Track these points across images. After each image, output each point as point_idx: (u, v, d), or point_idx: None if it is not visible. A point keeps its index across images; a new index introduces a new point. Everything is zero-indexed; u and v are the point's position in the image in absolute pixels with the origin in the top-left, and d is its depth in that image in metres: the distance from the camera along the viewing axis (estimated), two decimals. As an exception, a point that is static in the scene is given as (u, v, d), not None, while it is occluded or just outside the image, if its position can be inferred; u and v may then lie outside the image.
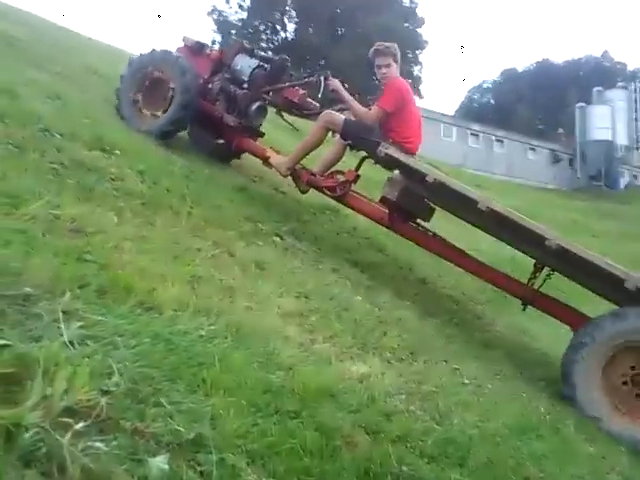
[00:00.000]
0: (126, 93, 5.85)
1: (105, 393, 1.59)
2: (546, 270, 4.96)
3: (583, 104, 39.47)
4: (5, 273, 1.95)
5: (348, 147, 5.44)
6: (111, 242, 2.72)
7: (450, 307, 5.82)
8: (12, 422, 1.32)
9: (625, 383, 4.08)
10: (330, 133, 5.47)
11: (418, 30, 43.20)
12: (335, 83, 5.44)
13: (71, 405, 1.48)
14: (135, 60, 5.97)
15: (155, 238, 3.13)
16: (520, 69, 66.99)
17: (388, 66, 5.24)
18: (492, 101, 65.81)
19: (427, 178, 4.67)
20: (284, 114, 6.27)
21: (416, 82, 44.29)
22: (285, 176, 5.63)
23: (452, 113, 50.29)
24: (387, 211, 5.27)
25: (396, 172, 5.12)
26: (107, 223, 3.00)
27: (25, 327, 1.75)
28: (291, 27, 43.51)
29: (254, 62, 5.99)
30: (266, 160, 5.76)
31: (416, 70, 44.10)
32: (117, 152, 4.44)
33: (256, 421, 1.89)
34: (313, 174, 5.46)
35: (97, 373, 1.65)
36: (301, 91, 5.87)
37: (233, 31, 41.61)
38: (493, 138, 36.87)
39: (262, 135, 6.39)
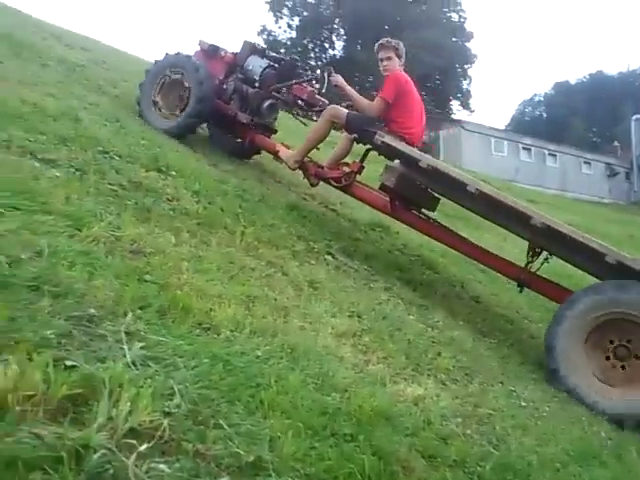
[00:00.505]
0: (147, 96, 6.19)
1: (167, 414, 1.62)
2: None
3: (639, 116, 38.45)
4: (71, 294, 2.02)
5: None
6: (169, 262, 2.78)
7: (504, 326, 5.71)
8: (81, 444, 1.36)
9: (608, 358, 4.21)
10: (344, 131, 5.67)
11: (467, 45, 42.91)
12: (338, 78, 5.69)
13: (135, 426, 1.51)
14: (154, 65, 6.32)
15: (211, 258, 3.19)
16: (573, 81, 65.82)
17: (389, 59, 5.43)
18: (544, 114, 64.77)
19: (420, 163, 4.89)
20: (294, 111, 6.51)
21: (465, 96, 44.00)
22: (294, 169, 5.83)
23: (503, 127, 49.69)
24: (388, 199, 5.46)
25: (396, 161, 5.33)
26: (165, 243, 3.07)
27: (90, 348, 1.80)
28: (339, 45, 43.86)
29: (265, 62, 6.24)
30: (276, 154, 6.03)
31: (465, 84, 43.79)
32: (173, 173, 4.54)
33: (313, 444, 1.90)
34: (320, 166, 5.69)
35: (159, 394, 1.68)
36: (309, 88, 6.11)
37: (282, 50, 42.14)
38: (546, 152, 36.19)
39: (275, 132, 6.61)
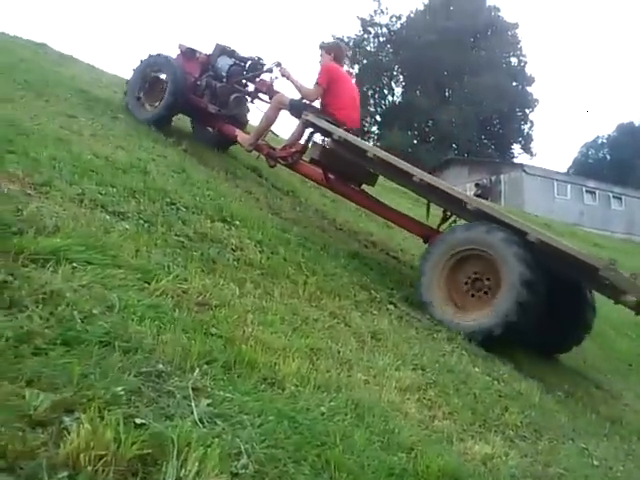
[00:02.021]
0: (132, 92, 7.19)
1: (234, 476, 1.61)
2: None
3: None
4: (140, 350, 2.06)
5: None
6: (234, 315, 2.81)
7: (572, 378, 5.49)
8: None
9: (467, 289, 5.00)
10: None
11: (528, 89, 42.63)
12: (284, 70, 6.56)
13: (203, 487, 1.50)
14: (139, 64, 7.25)
15: (275, 309, 3.20)
16: (637, 122, 64.14)
17: (321, 55, 6.48)
18: (608, 156, 63.16)
19: (333, 136, 5.76)
20: (256, 101, 7.25)
21: (526, 140, 43.53)
22: (250, 151, 6.79)
23: (565, 170, 48.70)
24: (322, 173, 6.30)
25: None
26: (230, 295, 3.10)
27: (159, 405, 1.82)
28: (398, 91, 44.29)
29: (231, 61, 7.09)
30: (235, 139, 6.90)
31: (526, 128, 43.38)
32: (237, 223, 4.62)
33: (381, 508, 1.85)
34: (273, 148, 6.56)
35: (226, 454, 1.68)
36: (268, 82, 6.94)
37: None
38: (611, 195, 35.18)
39: (246, 123, 7.37)
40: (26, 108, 5.22)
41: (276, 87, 6.87)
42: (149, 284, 2.70)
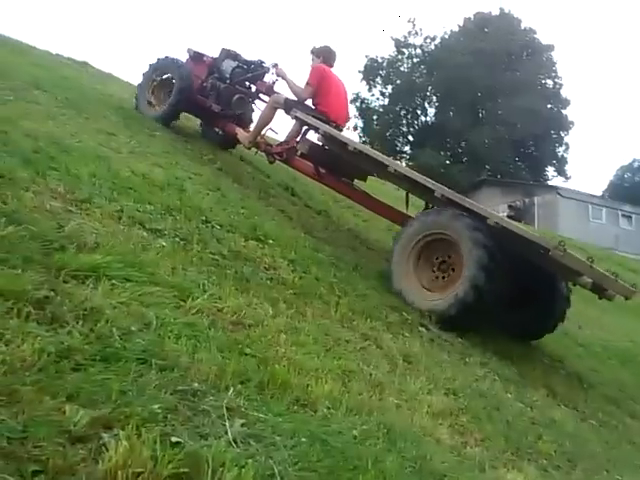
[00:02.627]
0: (142, 95, 7.69)
1: (268, 498, 1.61)
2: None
3: None
4: (176, 368, 2.08)
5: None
6: (268, 335, 2.83)
7: (607, 407, 5.37)
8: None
9: (433, 271, 5.25)
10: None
11: (563, 111, 42.25)
12: (280, 70, 7.06)
13: (237, 510, 1.51)
14: (149, 67, 7.74)
15: (307, 330, 3.21)
16: (676, 146, 63.02)
17: (312, 60, 6.88)
18: (645, 180, 62.09)
19: (319, 131, 6.23)
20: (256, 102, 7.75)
21: (561, 163, 43.06)
22: (249, 148, 7.16)
23: (600, 193, 47.92)
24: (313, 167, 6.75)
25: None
26: (263, 315, 3.12)
27: (194, 423, 1.84)
28: (431, 111, 44.25)
29: (235, 64, 7.52)
30: (235, 136, 7.28)
31: (561, 151, 42.91)
32: (270, 241, 4.66)
33: (413, 536, 1.83)
34: (270, 145, 6.99)
35: (260, 475, 1.68)
36: (268, 83, 7.38)
37: (375, 117, 42.99)
38: (647, 219, 34.59)
39: (249, 122, 7.62)
40: (67, 125, 5.35)
41: (276, 88, 7.33)
42: (185, 302, 2.73)
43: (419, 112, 44.37)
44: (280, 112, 6.81)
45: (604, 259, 16.07)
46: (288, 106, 6.61)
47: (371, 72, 43.48)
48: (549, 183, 39.57)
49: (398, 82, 43.33)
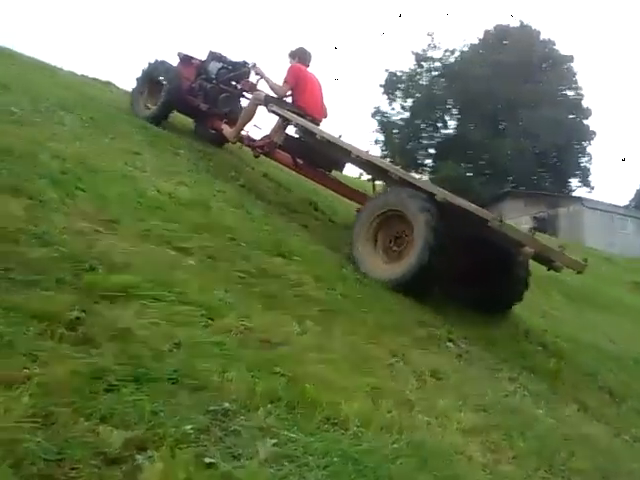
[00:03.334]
0: (137, 97, 8.28)
1: (302, 520, 1.60)
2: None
3: None
4: (207, 388, 2.09)
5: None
6: (296, 353, 2.82)
7: (640, 422, 5.27)
8: None
9: (390, 245, 5.63)
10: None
11: (584, 121, 41.89)
12: (258, 69, 7.55)
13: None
14: (142, 72, 8.30)
15: (335, 347, 3.20)
16: (703, 154, 62.06)
17: (290, 62, 7.39)
18: (672, 189, 61.12)
19: (291, 123, 6.82)
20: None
21: (585, 173, 42.64)
22: (234, 142, 7.64)
23: (625, 203, 47.20)
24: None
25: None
26: (291, 332, 3.12)
27: (226, 444, 1.84)
28: (452, 124, 44.14)
29: (220, 65, 8.01)
30: (221, 132, 7.79)
31: (584, 161, 42.51)
32: (295, 258, 4.66)
33: None
34: (253, 139, 7.34)
35: (294, 497, 1.67)
36: (252, 82, 7.77)
37: (395, 130, 43.00)
38: (675, 229, 34.03)
39: (235, 119, 7.78)
40: (93, 146, 5.42)
41: (259, 87, 7.67)
42: (214, 321, 2.74)
43: (440, 125, 44.29)
44: (262, 109, 7.24)
45: (630, 270, 15.85)
46: (267, 102, 7.09)
47: (391, 86, 43.57)
48: (573, 194, 39.16)
49: (418, 95, 43.33)
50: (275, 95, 7.20)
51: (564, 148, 39.90)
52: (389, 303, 4.78)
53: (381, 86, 43.68)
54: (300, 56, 7.50)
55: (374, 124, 42.39)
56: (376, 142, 42.61)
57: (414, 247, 5.27)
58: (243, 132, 7.43)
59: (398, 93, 43.69)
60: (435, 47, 44.03)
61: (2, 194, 3.10)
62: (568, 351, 6.23)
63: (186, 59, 8.29)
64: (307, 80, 7.38)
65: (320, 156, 6.95)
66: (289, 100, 7.28)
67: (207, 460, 1.69)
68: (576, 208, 31.10)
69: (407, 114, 43.66)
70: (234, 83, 8.06)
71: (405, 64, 53.93)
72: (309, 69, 7.52)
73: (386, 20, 73.08)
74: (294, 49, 7.55)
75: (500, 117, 41.79)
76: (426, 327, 4.66)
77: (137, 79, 8.38)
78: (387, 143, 43.08)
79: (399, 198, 5.58)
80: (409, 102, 43.69)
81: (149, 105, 8.17)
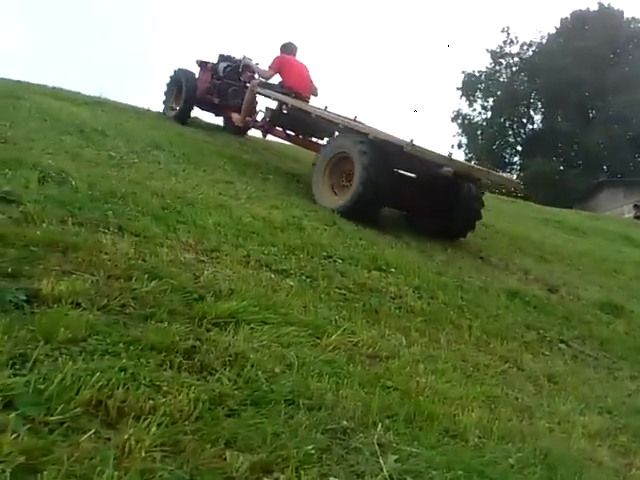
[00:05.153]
0: (167, 102, 9.87)
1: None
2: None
3: None
4: (323, 407, 2.10)
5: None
6: (405, 366, 2.79)
7: None
8: None
9: (342, 180, 6.66)
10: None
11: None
12: (247, 60, 9.28)
13: None
14: (168, 81, 9.86)
15: (444, 357, 3.15)
16: None
17: (278, 52, 8.81)
18: None
19: (270, 97, 8.34)
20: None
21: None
22: (241, 126, 9.22)
23: None
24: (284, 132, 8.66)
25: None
26: (397, 345, 3.10)
27: (348, 462, 1.83)
28: (538, 118, 42.80)
29: (226, 64, 9.50)
30: (230, 118, 9.37)
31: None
32: (392, 270, 4.64)
33: None
34: (256, 121, 8.85)
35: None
36: (249, 74, 9.21)
37: (479, 132, 42.16)
38: None
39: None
40: (188, 180, 5.62)
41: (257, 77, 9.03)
42: (320, 339, 2.76)
43: (525, 121, 43.06)
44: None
45: None
46: (260, 87, 8.56)
47: (470, 87, 42.81)
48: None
49: (499, 93, 42.37)
50: (264, 79, 8.73)
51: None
52: (493, 308, 4.67)
53: (458, 89, 43.01)
54: (283, 49, 8.90)
55: (455, 128, 41.65)
56: (459, 146, 41.92)
57: (355, 177, 6.32)
58: (248, 118, 8.89)
59: (477, 94, 42.86)
60: (512, 42, 43.00)
61: (111, 234, 3.26)
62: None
63: (202, 64, 9.76)
64: (293, 65, 8.77)
65: (308, 126, 8.14)
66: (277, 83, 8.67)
67: (332, 480, 1.70)
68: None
69: (489, 114, 42.73)
70: (241, 78, 9.45)
71: (481, 63, 52.80)
72: (296, 57, 8.96)
73: (452, 25, 72.13)
74: (283, 44, 9.01)
75: (588, 105, 40.13)
76: (535, 330, 4.51)
77: (166, 85, 9.88)
78: (471, 145, 42.30)
79: (343, 142, 6.74)
80: (490, 102, 42.78)
81: (174, 106, 9.69)
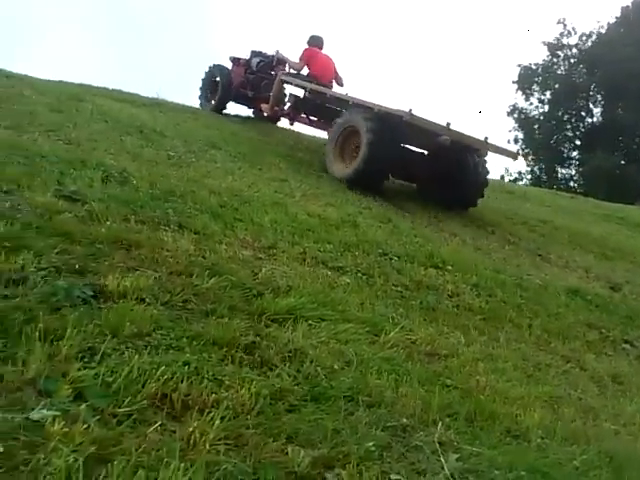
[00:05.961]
0: (204, 94, 10.50)
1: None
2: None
3: None
4: (382, 404, 2.09)
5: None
6: (465, 364, 2.76)
7: None
8: None
9: (352, 151, 7.11)
10: None
11: None
12: (280, 54, 9.79)
13: None
14: (204, 76, 10.53)
15: (504, 356, 3.10)
16: None
17: (306, 46, 9.33)
18: None
19: (293, 84, 8.97)
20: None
21: None
22: (269, 115, 9.67)
23: None
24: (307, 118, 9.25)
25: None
26: (456, 343, 3.06)
27: (409, 460, 1.82)
28: (597, 111, 41.47)
29: (259, 59, 10.06)
30: (260, 109, 9.83)
31: None
32: (449, 267, 4.59)
33: None
34: (283, 110, 9.50)
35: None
36: (281, 67, 9.67)
37: (536, 126, 41.16)
38: None
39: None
40: (244, 178, 5.69)
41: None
42: (378, 336, 2.76)
43: (584, 114, 41.74)
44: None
45: None
46: (285, 76, 9.15)
47: (526, 80, 41.75)
48: None
49: (557, 86, 41.18)
50: (294, 71, 9.22)
51: None
52: (553, 307, 4.56)
53: (514, 82, 42.07)
54: (311, 42, 9.38)
55: (511, 123, 40.75)
56: (515, 141, 41.04)
57: (361, 148, 6.83)
58: (276, 107, 9.44)
59: (534, 87, 41.84)
60: (569, 34, 41.80)
61: (171, 231, 3.33)
62: None
63: (235, 60, 10.40)
64: (318, 57, 9.27)
65: (329, 111, 8.50)
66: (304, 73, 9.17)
67: (393, 477, 1.69)
68: None
69: (547, 107, 41.64)
70: (273, 72, 9.91)
71: (538, 56, 51.54)
72: (322, 50, 9.39)
73: (510, 13, 70.62)
74: (311, 36, 9.50)
75: (652, 97, 38.69)
76: (597, 329, 4.39)
77: (202, 80, 10.53)
78: (527, 140, 41.33)
79: (352, 116, 7.25)
80: (547, 95, 41.68)
81: (211, 100, 10.38)
